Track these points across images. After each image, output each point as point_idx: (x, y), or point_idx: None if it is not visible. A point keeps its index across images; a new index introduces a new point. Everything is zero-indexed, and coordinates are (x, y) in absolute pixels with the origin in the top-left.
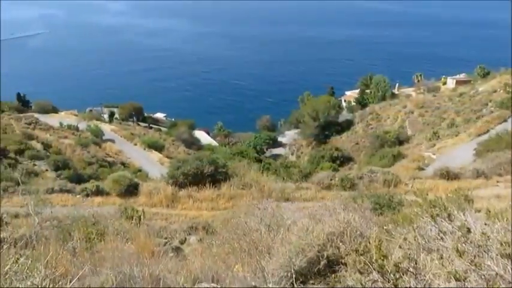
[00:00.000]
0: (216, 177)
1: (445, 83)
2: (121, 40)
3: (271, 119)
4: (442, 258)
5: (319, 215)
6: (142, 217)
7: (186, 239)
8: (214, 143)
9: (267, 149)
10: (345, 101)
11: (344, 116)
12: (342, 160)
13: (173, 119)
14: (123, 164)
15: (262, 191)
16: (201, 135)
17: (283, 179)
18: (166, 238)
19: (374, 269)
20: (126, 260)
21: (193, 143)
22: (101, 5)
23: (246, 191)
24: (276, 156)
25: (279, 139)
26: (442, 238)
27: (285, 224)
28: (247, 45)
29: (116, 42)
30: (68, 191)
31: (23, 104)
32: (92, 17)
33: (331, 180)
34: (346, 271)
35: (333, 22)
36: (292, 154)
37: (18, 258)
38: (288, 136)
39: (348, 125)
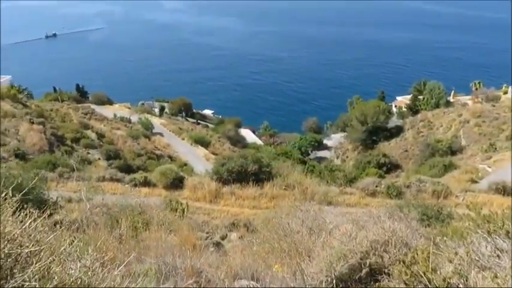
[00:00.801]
0: (259, 176)
1: (506, 92)
2: (175, 37)
3: (317, 121)
4: (496, 277)
5: (363, 222)
6: (185, 210)
7: (227, 235)
8: (259, 142)
9: (311, 151)
10: (395, 106)
11: (394, 121)
12: (389, 167)
13: (220, 116)
14: (170, 157)
15: (305, 193)
16: (247, 134)
17: (327, 182)
18: (207, 233)
19: (421, 282)
20: (169, 250)
21: (238, 141)
22: (158, 2)
23: (288, 192)
24: (320, 159)
25: (325, 142)
26: (498, 256)
27: (327, 228)
28: (299, 46)
29: (170, 40)
30: (118, 180)
31: (81, 95)
32: (149, 14)
33: (376, 186)
34: (389, 281)
35: (387, 24)
36: (337, 158)
37: (73, 241)
38: (334, 139)
39: (397, 131)
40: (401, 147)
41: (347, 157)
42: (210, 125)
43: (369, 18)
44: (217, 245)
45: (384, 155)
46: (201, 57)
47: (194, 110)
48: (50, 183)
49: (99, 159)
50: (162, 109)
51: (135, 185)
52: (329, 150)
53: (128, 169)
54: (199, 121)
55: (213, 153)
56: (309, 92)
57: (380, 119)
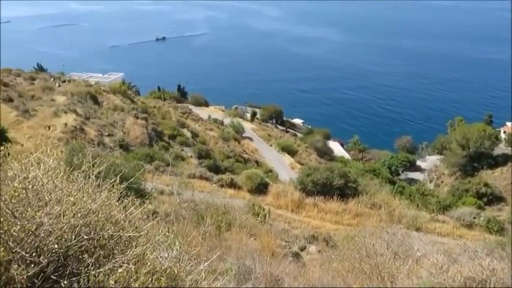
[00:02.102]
0: (344, 191)
1: None
2: (272, 45)
3: (412, 141)
4: None
5: (456, 255)
6: (267, 216)
7: (306, 247)
8: (347, 156)
9: (402, 171)
10: (504, 132)
11: (501, 149)
12: (491, 198)
13: (310, 127)
14: (257, 162)
15: (392, 215)
16: (335, 147)
17: (417, 206)
18: (287, 242)
19: None
20: (249, 254)
21: (326, 153)
22: (259, 10)
23: (374, 212)
24: (411, 181)
25: (418, 163)
26: None
27: (414, 255)
28: (398, 61)
29: (268, 47)
30: (206, 179)
31: (182, 95)
32: (250, 21)
33: (474, 218)
34: None
35: (498, 39)
36: (430, 181)
37: (168, 231)
38: (429, 161)
39: (504, 160)
40: (507, 178)
41: (442, 182)
42: (299, 134)
43: (479, 32)
44: (296, 255)
45: (486, 185)
46: (296, 66)
47: (284, 118)
48: (147, 174)
49: (192, 156)
50: (253, 114)
51: (222, 186)
52: (422, 172)
53: (216, 169)
54: (288, 129)
55: (299, 163)
56: (405, 108)
57: (485, 144)
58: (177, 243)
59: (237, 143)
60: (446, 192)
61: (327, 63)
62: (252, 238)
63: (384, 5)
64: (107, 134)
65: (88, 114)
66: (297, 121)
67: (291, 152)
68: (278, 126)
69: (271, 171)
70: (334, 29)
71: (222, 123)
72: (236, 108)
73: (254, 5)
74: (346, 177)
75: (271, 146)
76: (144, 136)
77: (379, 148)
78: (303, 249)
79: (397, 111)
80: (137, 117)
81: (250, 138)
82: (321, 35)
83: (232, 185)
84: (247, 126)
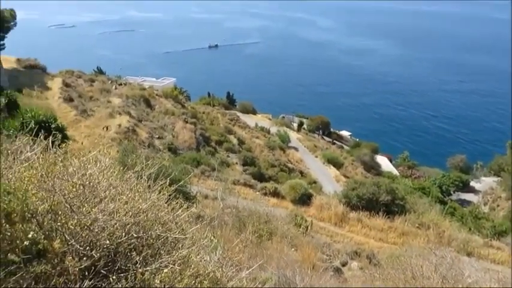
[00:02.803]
0: (391, 208)
1: None
2: (323, 56)
3: (466, 160)
4: None
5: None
6: (309, 228)
7: (347, 262)
8: (395, 172)
9: (454, 192)
10: None
11: None
12: None
13: (357, 139)
14: (301, 172)
15: (441, 237)
16: (383, 161)
17: (470, 229)
18: (328, 255)
19: None
20: (290, 265)
21: (372, 167)
22: (312, 20)
23: (421, 232)
24: (463, 202)
25: (472, 184)
26: None
27: (464, 282)
28: (454, 76)
29: (319, 58)
30: (250, 186)
31: (230, 102)
32: (302, 31)
33: None
34: None
35: None
36: (485, 204)
37: (213, 235)
38: (484, 183)
39: None
40: None
41: (497, 206)
42: (346, 147)
43: None
44: (337, 270)
45: None
46: (346, 78)
47: (331, 130)
48: (193, 178)
49: (237, 163)
50: (300, 124)
51: (265, 194)
52: (476, 194)
53: (260, 177)
54: (335, 141)
55: (345, 176)
56: (457, 129)
57: None
58: (219, 248)
59: (283, 152)
60: (502, 217)
61: (379, 77)
62: (293, 249)
63: (442, 18)
64: (157, 136)
65: (141, 117)
66: (345, 133)
67: (337, 165)
68: (325, 137)
69: (315, 182)
70: (388, 41)
71: (268, 131)
72: (283, 117)
73: (307, 16)
74: (394, 193)
75: (316, 157)
76: (192, 140)
77: (430, 166)
78: (344, 264)
79: (451, 130)
80: (186, 122)
81: (295, 148)
82: (374, 46)
83: (275, 194)
84: (294, 136)
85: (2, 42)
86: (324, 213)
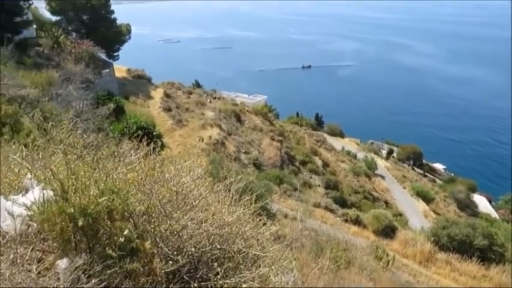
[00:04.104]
0: (487, 254)
1: None
2: (420, 82)
3: None
4: None
5: None
6: (391, 263)
7: None
8: (494, 214)
9: None
10: None
11: None
12: None
13: (452, 174)
14: (386, 202)
15: None
16: (481, 201)
17: None
18: None
19: None
20: None
21: (468, 207)
22: (410, 45)
23: None
24: None
25: None
26: None
27: None
28: None
29: (415, 84)
30: (331, 211)
31: (318, 123)
32: (398, 55)
33: None
34: None
35: None
36: None
37: (294, 258)
38: None
39: None
40: None
41: None
42: (438, 181)
43: None
44: None
45: None
46: (444, 108)
47: (423, 161)
48: (274, 195)
49: (319, 185)
50: (389, 152)
51: (346, 220)
52: None
53: (342, 202)
54: (426, 173)
55: (435, 212)
56: None
57: None
58: (295, 271)
59: (368, 179)
60: None
61: (480, 110)
62: (371, 283)
63: None
64: (243, 151)
65: (230, 131)
66: (438, 166)
67: (427, 199)
68: (415, 168)
69: (400, 215)
70: (494, 70)
71: (355, 156)
72: (372, 143)
73: (405, 40)
74: (491, 238)
75: (404, 188)
76: (277, 158)
77: None
78: None
79: None
80: (273, 139)
81: (382, 177)
82: (478, 75)
83: (357, 221)
84: (381, 163)
85: (116, 53)
86: (408, 250)
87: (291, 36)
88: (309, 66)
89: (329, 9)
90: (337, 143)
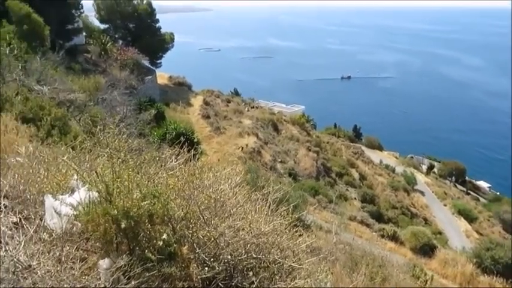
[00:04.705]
0: None
1: None
2: (466, 96)
3: None
4: None
5: None
6: (429, 282)
7: None
8: None
9: None
10: None
11: None
12: None
13: (498, 193)
14: (425, 219)
15: None
16: None
17: None
18: None
19: None
20: None
21: None
22: (456, 58)
23: None
24: None
25: None
26: None
27: None
28: None
29: (461, 98)
30: (367, 225)
31: (356, 135)
32: (444, 69)
33: None
34: None
35: None
36: None
37: (330, 271)
38: None
39: None
40: None
41: None
42: (482, 200)
43: None
44: None
45: None
46: (490, 125)
47: (467, 178)
48: (309, 206)
49: (355, 198)
50: (430, 167)
51: (382, 236)
52: None
53: (378, 217)
54: (469, 191)
55: (477, 232)
56: None
57: None
58: (329, 285)
59: (407, 194)
60: None
61: None
62: None
63: None
64: (279, 160)
65: (267, 139)
66: (482, 184)
67: (469, 218)
68: (457, 185)
69: (440, 233)
70: None
71: (393, 170)
72: (412, 157)
73: (451, 53)
74: None
75: (445, 205)
76: (312, 169)
77: None
78: None
79: None
80: (309, 150)
81: (422, 192)
82: None
83: (393, 238)
84: (421, 178)
85: (159, 61)
86: (448, 270)
87: (330, 46)
88: (349, 77)
89: (369, 20)
90: (375, 155)
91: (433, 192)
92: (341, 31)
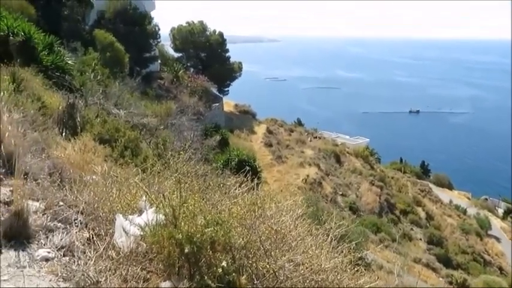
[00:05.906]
0: None
1: None
2: None
3: None
4: None
5: None
6: None
7: None
8: None
9: None
10: None
11: None
12: None
13: None
14: (500, 269)
15: None
16: None
17: None
18: None
19: None
20: None
21: None
22: None
23: None
24: None
25: None
26: None
27: None
28: None
29: None
30: (433, 269)
31: (424, 172)
32: None
33: None
34: None
35: None
36: None
37: None
38: None
39: None
40: None
41: None
42: None
43: None
44: None
45: None
46: None
47: None
48: (369, 244)
49: (421, 239)
50: (507, 211)
51: (450, 283)
52: None
53: (446, 261)
54: None
55: None
56: None
57: None
58: None
59: (479, 239)
60: None
61: None
62: None
63: None
64: (340, 193)
65: (328, 171)
66: None
67: None
68: None
69: None
70: None
71: (464, 212)
72: (486, 199)
73: None
74: None
75: None
76: (375, 204)
77: None
78: None
79: None
80: (373, 184)
81: (497, 238)
82: None
83: (463, 286)
84: (496, 223)
85: (227, 89)
86: None
87: (397, 78)
88: (417, 111)
89: (441, 52)
90: (444, 195)
91: (510, 239)
92: (411, 63)
